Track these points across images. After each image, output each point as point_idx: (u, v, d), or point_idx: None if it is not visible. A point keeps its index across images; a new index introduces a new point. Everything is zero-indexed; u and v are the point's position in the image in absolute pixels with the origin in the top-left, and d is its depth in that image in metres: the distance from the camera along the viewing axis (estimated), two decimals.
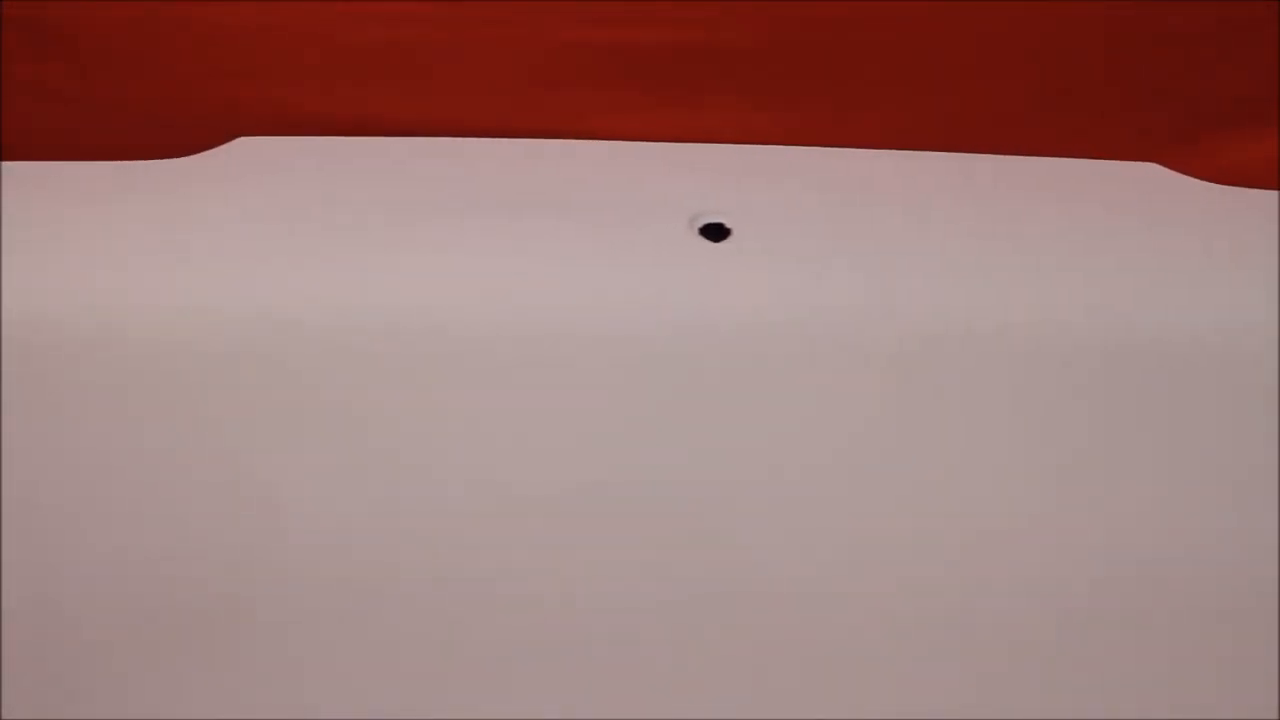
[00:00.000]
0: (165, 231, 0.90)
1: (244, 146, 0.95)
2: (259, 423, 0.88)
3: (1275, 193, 0.95)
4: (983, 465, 0.90)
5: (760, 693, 0.93)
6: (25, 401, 0.88)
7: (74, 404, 0.88)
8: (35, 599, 0.91)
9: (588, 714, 0.93)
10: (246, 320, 0.88)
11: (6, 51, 0.96)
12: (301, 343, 0.88)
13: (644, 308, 0.89)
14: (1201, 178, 0.96)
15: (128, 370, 0.88)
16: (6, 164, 0.94)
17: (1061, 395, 0.89)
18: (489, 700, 0.93)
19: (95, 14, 0.96)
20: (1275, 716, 0.93)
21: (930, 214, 0.94)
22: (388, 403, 0.88)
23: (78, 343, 0.88)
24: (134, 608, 0.91)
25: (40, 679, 0.92)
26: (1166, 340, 0.89)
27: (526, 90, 0.97)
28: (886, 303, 0.89)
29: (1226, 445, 0.89)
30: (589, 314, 0.89)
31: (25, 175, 0.94)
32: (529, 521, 0.90)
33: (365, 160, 0.95)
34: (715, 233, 0.93)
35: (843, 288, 0.90)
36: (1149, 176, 0.96)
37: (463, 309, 0.89)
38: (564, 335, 0.89)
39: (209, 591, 0.91)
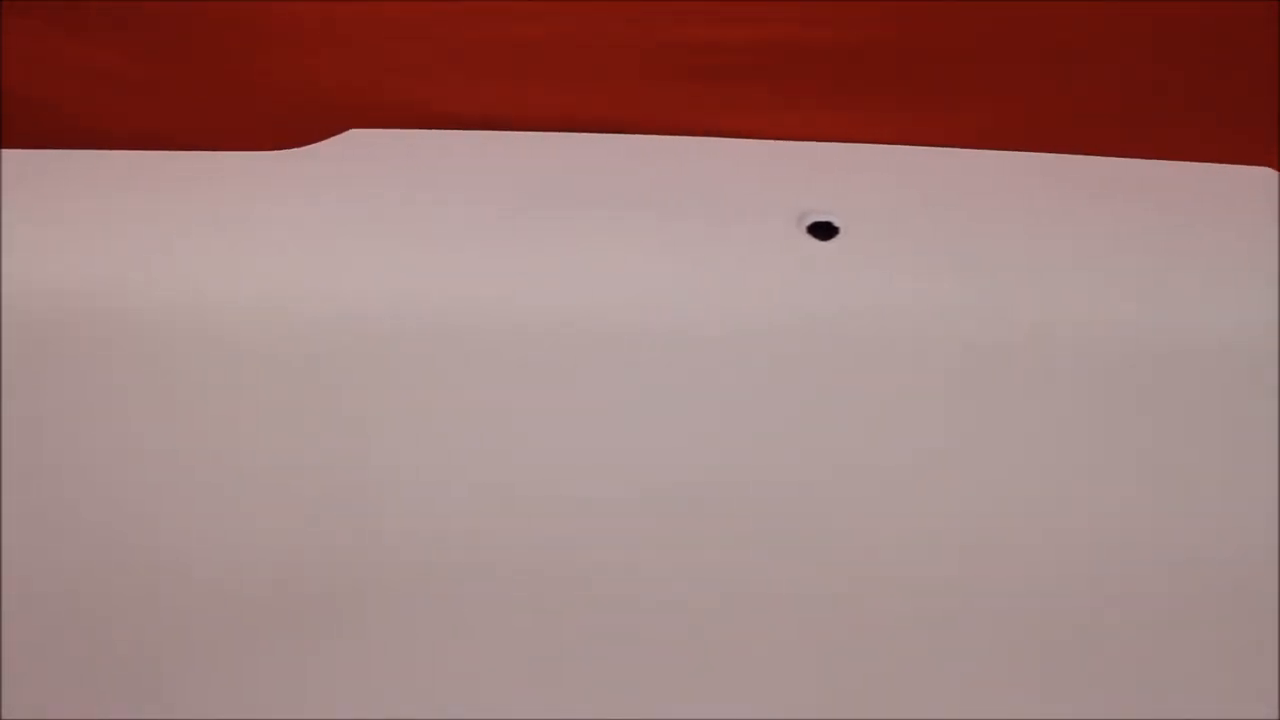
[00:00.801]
0: (272, 223, 0.91)
1: (356, 139, 0.96)
2: (386, 417, 0.88)
3: None
4: (1080, 466, 0.90)
5: (824, 692, 0.93)
6: (145, 390, 0.88)
7: (186, 394, 0.89)
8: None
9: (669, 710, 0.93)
10: (367, 311, 0.88)
11: (114, 45, 0.96)
12: (418, 335, 0.88)
13: (751, 304, 0.89)
14: None
15: (244, 360, 0.88)
16: (113, 152, 0.94)
17: (1175, 399, 0.88)
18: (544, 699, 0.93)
19: (207, 9, 0.96)
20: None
21: (1037, 215, 0.93)
22: (507, 397, 0.88)
23: (190, 334, 0.89)
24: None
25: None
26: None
27: (642, 87, 0.97)
28: (991, 303, 0.89)
29: None
30: (693, 310, 0.89)
31: (132, 165, 0.94)
32: (643, 518, 0.90)
33: (478, 155, 0.95)
34: (823, 231, 0.93)
35: (947, 287, 0.90)
36: (1261, 180, 0.95)
37: (569, 304, 0.89)
38: (669, 330, 0.89)
39: (303, 589, 0.91)
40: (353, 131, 0.96)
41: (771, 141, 0.97)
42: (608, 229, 0.91)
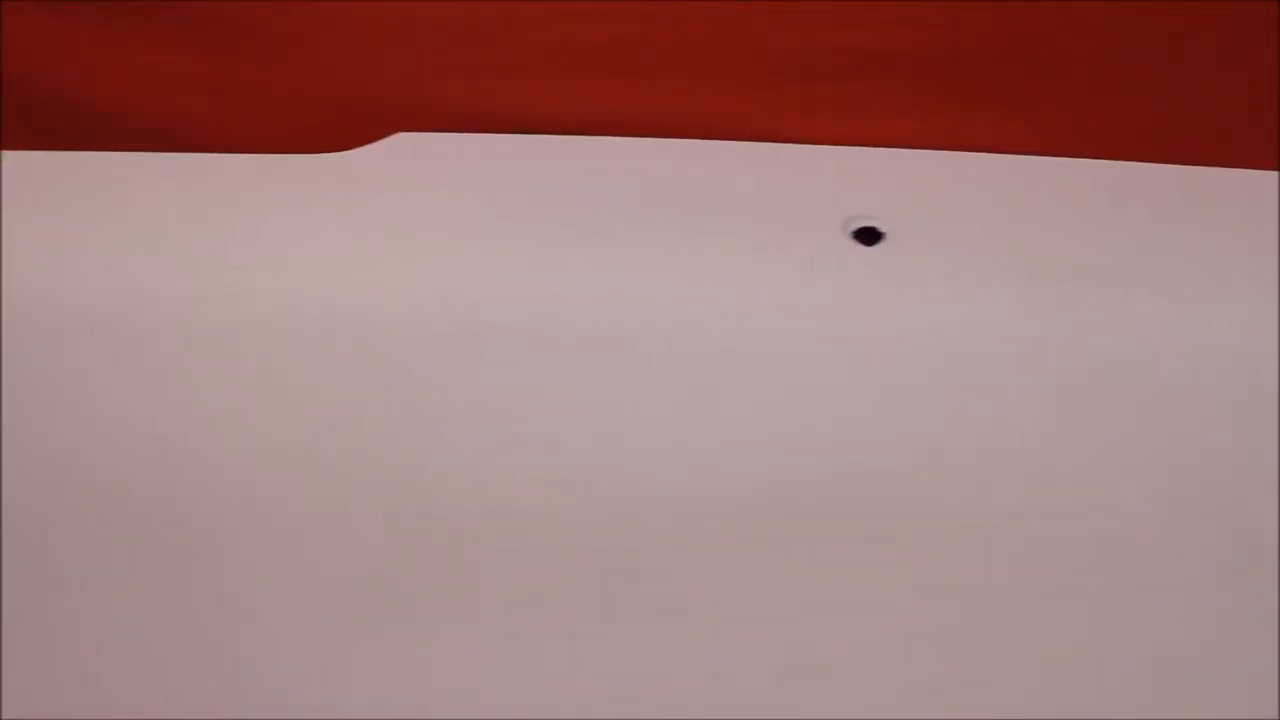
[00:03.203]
0: (318, 225, 0.92)
1: (404, 142, 0.96)
2: (421, 417, 0.89)
3: None
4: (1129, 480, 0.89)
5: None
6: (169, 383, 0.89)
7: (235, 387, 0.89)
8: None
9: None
10: (423, 312, 0.89)
11: (152, 39, 0.98)
12: (458, 336, 0.88)
13: (794, 308, 0.89)
14: None
15: (287, 362, 0.89)
16: (149, 154, 0.95)
17: (1226, 415, 0.87)
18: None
19: (249, 6, 0.97)
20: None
21: (1086, 223, 0.92)
22: (541, 400, 0.89)
23: (233, 336, 0.89)
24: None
25: None
26: None
27: (694, 90, 0.97)
28: (1040, 314, 0.88)
29: None
30: (738, 314, 0.89)
31: (167, 166, 0.95)
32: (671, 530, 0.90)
33: (524, 158, 0.95)
34: (869, 236, 0.92)
35: (993, 296, 0.89)
36: None
37: (618, 306, 0.89)
38: (713, 334, 0.89)
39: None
40: (400, 135, 0.97)
41: (817, 146, 0.96)
42: (644, 232, 0.91)
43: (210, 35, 0.98)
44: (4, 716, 0.92)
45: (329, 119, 0.97)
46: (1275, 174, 0.95)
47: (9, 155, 0.94)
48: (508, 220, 0.91)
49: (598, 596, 0.91)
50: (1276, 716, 0.90)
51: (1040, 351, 0.89)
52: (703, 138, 0.96)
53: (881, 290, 0.90)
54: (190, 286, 0.90)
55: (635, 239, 0.91)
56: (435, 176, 0.94)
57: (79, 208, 0.91)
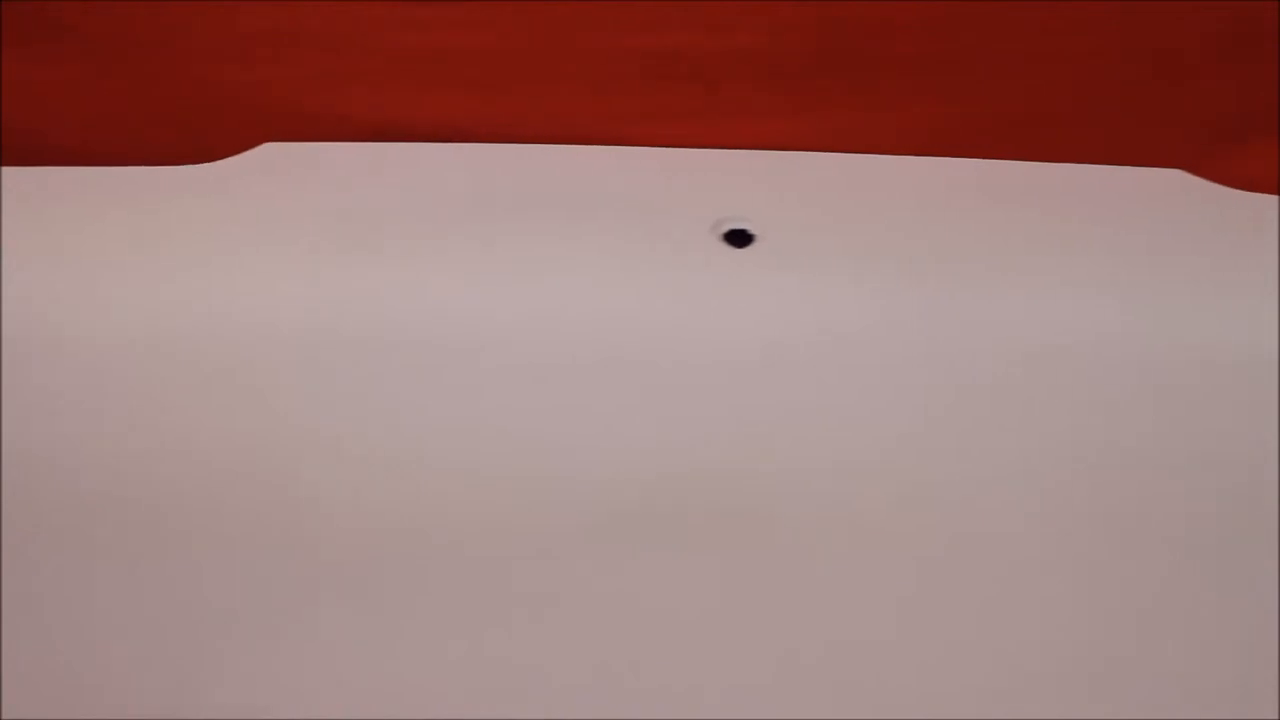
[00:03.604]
0: (181, 239, 0.90)
1: (271, 152, 0.95)
2: (280, 423, 0.88)
3: None
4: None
5: None
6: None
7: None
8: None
9: None
10: (267, 326, 0.88)
11: (9, 50, 0.96)
12: (316, 349, 0.88)
13: (664, 312, 0.90)
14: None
15: (159, 376, 0.88)
16: (7, 169, 0.94)
17: (1100, 410, 0.89)
18: None
19: (109, 12, 0.95)
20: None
21: (956, 222, 0.94)
22: (413, 408, 0.88)
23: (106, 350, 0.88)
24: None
25: None
26: (1186, 353, 0.89)
27: (557, 96, 0.97)
28: (910, 311, 0.90)
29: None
30: (609, 320, 0.89)
31: (29, 181, 0.93)
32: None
33: (394, 166, 0.95)
34: (739, 239, 0.93)
35: (867, 296, 0.90)
36: (1173, 183, 0.96)
37: (483, 311, 0.89)
38: (580, 338, 0.89)
39: None
40: (268, 145, 0.96)
41: (685, 149, 0.97)
42: (510, 237, 0.91)
43: (67, 45, 0.96)
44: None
45: (191, 130, 0.96)
46: (1134, 169, 0.97)
47: None
48: (370, 228, 0.90)
49: (458, 595, 0.90)
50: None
51: (912, 351, 0.90)
52: (565, 143, 0.96)
53: (753, 292, 0.91)
54: (62, 297, 0.88)
55: (502, 244, 0.91)
56: (303, 185, 0.93)
57: None
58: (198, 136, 0.95)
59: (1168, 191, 0.94)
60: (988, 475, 0.89)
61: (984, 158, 0.97)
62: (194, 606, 0.85)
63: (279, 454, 0.89)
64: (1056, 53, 0.98)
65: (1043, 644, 0.85)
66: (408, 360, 0.89)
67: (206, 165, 0.95)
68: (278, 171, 0.94)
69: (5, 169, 0.93)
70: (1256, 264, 0.91)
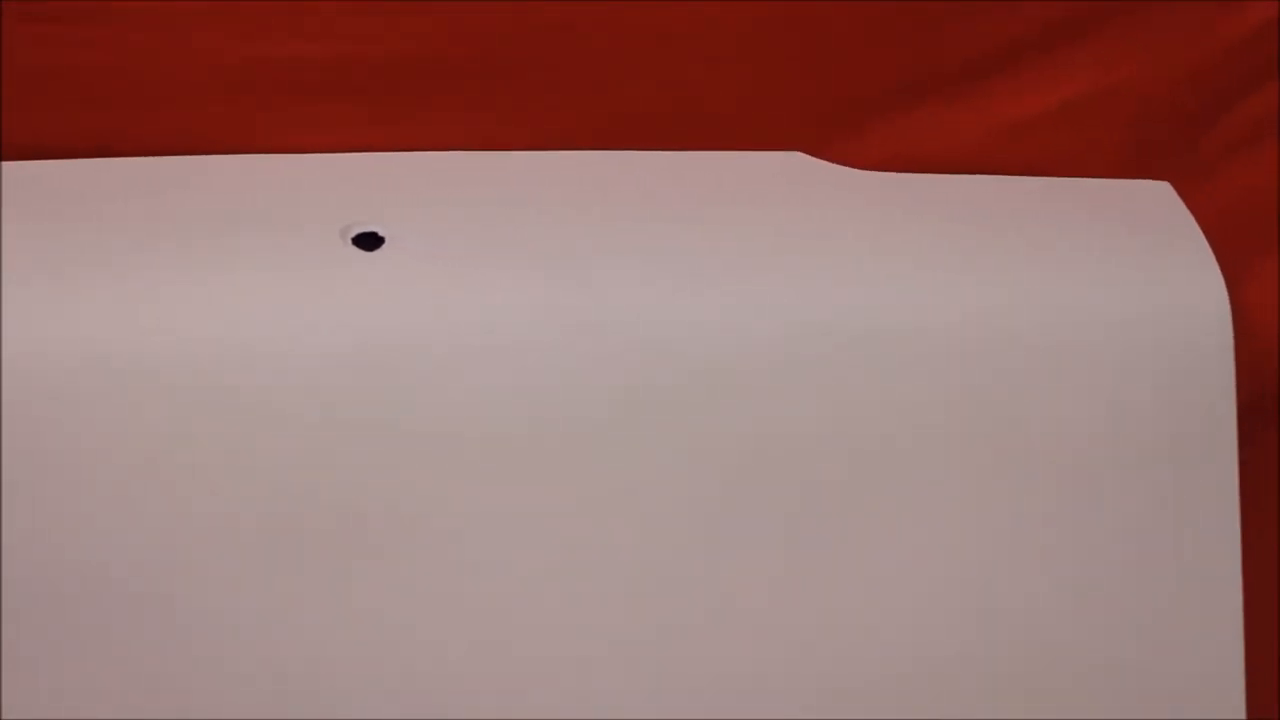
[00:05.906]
0: None
1: None
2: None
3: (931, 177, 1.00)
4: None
5: None
6: None
7: None
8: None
9: None
10: None
11: None
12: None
13: (298, 319, 0.88)
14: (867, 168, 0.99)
15: None
16: None
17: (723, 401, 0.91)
18: None
19: None
20: None
21: (587, 217, 0.95)
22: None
23: None
24: None
25: None
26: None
27: (202, 106, 0.96)
28: (551, 305, 0.90)
29: None
30: (244, 328, 0.88)
31: None
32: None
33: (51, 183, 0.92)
34: (369, 242, 0.92)
35: (503, 292, 0.90)
36: (792, 165, 0.99)
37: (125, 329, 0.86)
38: (217, 354, 0.87)
39: None
40: None
41: (313, 155, 0.96)
42: (141, 255, 0.89)
43: None
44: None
45: None
46: (759, 154, 1.00)
47: None
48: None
49: None
50: None
51: (557, 348, 0.90)
52: (181, 153, 0.94)
53: (386, 294, 0.90)
54: None
55: (135, 263, 0.89)
56: None
57: None
58: None
59: (785, 173, 0.97)
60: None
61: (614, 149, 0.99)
62: None
63: None
64: (685, 50, 0.99)
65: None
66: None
67: None
68: None
69: None
70: (877, 238, 0.94)
